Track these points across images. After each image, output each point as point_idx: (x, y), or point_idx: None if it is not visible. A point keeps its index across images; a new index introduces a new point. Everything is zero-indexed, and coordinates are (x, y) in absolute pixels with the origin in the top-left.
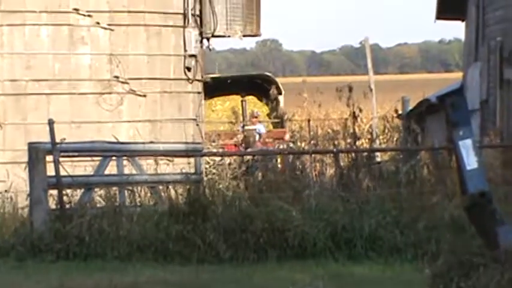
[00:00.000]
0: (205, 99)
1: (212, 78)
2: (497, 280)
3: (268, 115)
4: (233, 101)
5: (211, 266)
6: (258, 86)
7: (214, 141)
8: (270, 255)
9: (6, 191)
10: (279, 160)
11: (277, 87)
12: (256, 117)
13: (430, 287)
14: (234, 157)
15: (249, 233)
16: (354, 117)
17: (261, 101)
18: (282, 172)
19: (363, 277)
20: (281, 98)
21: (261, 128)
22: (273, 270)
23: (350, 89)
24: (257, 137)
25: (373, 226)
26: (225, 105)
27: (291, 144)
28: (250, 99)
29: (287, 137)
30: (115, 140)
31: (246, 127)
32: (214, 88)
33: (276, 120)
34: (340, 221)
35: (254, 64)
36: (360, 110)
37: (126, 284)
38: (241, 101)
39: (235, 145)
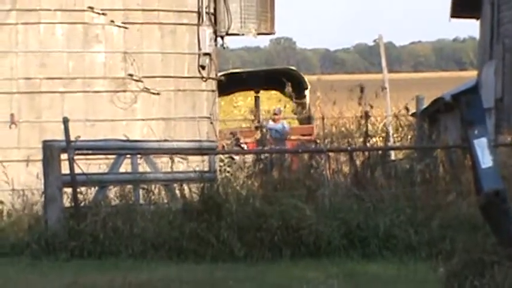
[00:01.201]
0: (226, 95)
1: (233, 73)
2: (511, 278)
3: (294, 111)
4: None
5: (225, 264)
6: (281, 80)
7: (230, 139)
8: (284, 254)
9: (22, 189)
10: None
11: (303, 82)
12: (276, 114)
13: (444, 285)
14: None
15: (263, 231)
16: (366, 116)
17: (285, 96)
18: (294, 170)
19: (377, 276)
20: (307, 92)
21: (284, 125)
22: (287, 268)
23: (361, 90)
24: (273, 133)
25: (388, 225)
26: (247, 101)
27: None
28: (273, 94)
29: (315, 133)
30: (128, 138)
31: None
32: (235, 83)
33: (303, 116)
34: (354, 220)
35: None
36: (371, 107)
37: (140, 282)
38: (255, 97)
39: (254, 142)
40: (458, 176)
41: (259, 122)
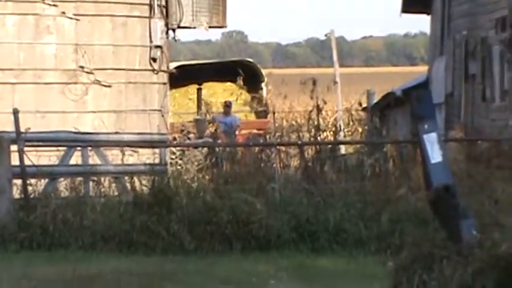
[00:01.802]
0: (180, 86)
1: (188, 65)
2: (460, 273)
3: (247, 104)
4: (211, 88)
5: (175, 256)
6: (237, 72)
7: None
8: (234, 247)
9: None
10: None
11: (260, 74)
12: (228, 106)
13: (393, 279)
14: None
15: (214, 224)
16: (318, 109)
17: (241, 88)
18: (245, 164)
19: (326, 269)
20: (263, 85)
21: (235, 119)
22: (237, 261)
23: (314, 82)
24: (223, 127)
25: (337, 219)
26: (203, 92)
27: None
28: (228, 86)
29: (270, 127)
30: (79, 130)
31: (196, 117)
32: (190, 75)
33: (260, 109)
34: (304, 214)
35: (220, 56)
36: (325, 103)
37: (90, 274)
38: (197, 90)
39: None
40: (408, 170)
41: (206, 115)
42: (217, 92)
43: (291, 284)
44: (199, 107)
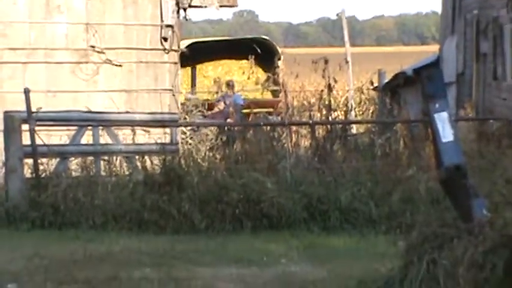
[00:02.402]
0: (196, 64)
1: (203, 41)
2: (471, 252)
3: (262, 83)
4: (226, 66)
5: (186, 236)
6: (252, 50)
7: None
8: (245, 226)
9: None
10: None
11: (276, 52)
12: (229, 84)
13: (403, 258)
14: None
15: (225, 203)
16: (329, 89)
17: (260, 67)
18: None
19: (337, 248)
20: (280, 63)
21: (237, 98)
22: (247, 240)
23: (326, 62)
24: (221, 106)
25: (348, 198)
26: (218, 70)
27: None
28: (244, 63)
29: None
30: (90, 110)
31: (187, 96)
32: (204, 52)
33: (275, 88)
34: (315, 193)
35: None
36: (335, 81)
37: (100, 253)
38: (191, 68)
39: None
40: (419, 150)
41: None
42: (232, 70)
43: (301, 263)
44: (193, 85)
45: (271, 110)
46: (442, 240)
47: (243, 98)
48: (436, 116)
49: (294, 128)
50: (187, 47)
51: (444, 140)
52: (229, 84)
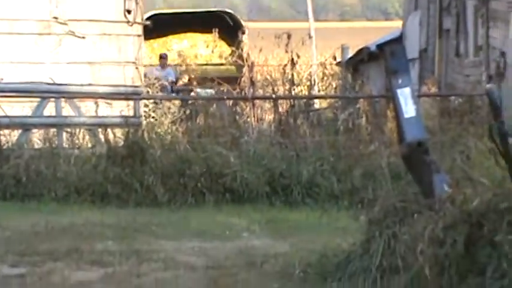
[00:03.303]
0: (160, 37)
1: (166, 13)
2: (431, 227)
3: (225, 57)
4: (191, 39)
5: (148, 209)
6: (217, 23)
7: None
8: (207, 200)
9: None
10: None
11: (240, 26)
12: (163, 58)
13: (365, 233)
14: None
15: (187, 177)
16: (293, 63)
17: (224, 41)
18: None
19: (299, 223)
20: (245, 38)
21: (170, 71)
22: (210, 214)
23: (289, 36)
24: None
25: (311, 173)
26: (183, 43)
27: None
28: (210, 37)
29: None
30: (53, 82)
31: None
32: (167, 25)
33: (241, 64)
34: (277, 167)
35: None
36: (299, 56)
37: (62, 225)
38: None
39: None
40: (381, 125)
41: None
42: (197, 44)
43: (263, 237)
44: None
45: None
46: (403, 216)
47: (179, 72)
48: (398, 91)
49: (257, 102)
50: (148, 18)
51: (406, 116)
52: (162, 57)
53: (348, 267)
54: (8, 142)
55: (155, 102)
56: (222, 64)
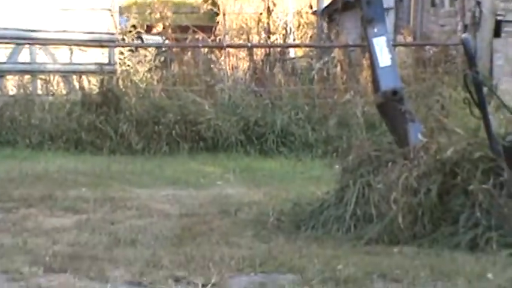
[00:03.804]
0: None
1: None
2: (405, 177)
3: (202, 4)
4: None
5: (122, 156)
6: None
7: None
8: (182, 148)
9: None
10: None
11: None
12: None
13: (339, 182)
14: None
15: (162, 125)
16: (268, 12)
17: None
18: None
19: (273, 171)
20: None
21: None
22: (184, 162)
23: None
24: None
25: (285, 121)
26: None
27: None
28: None
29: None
30: (28, 28)
31: None
32: None
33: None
34: (252, 116)
35: None
36: (274, 5)
37: (36, 172)
38: None
39: None
40: (356, 74)
41: None
42: None
43: (238, 186)
44: None
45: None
46: (377, 165)
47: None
48: (374, 40)
49: (232, 50)
50: None
51: (382, 65)
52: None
53: (322, 215)
54: None
55: (131, 50)
56: (196, 12)
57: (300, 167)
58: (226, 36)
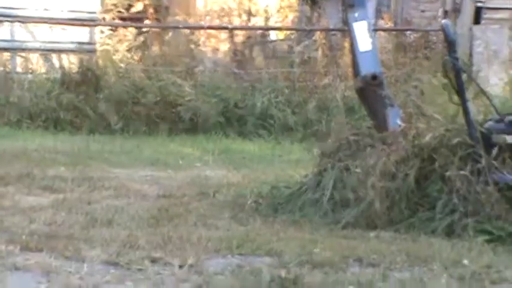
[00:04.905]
0: None
1: None
2: (383, 162)
3: None
4: None
5: (102, 136)
6: None
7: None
8: (161, 129)
9: None
10: None
11: None
12: None
13: (318, 166)
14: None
15: (141, 105)
16: None
17: None
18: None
19: (252, 154)
20: None
21: None
22: (163, 143)
23: None
24: None
25: (265, 104)
26: None
27: None
28: None
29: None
30: (8, 5)
31: None
32: None
33: None
34: (232, 98)
35: None
36: None
37: (15, 150)
38: None
39: None
40: (337, 59)
41: None
42: None
43: (216, 167)
44: None
45: None
46: (356, 149)
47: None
48: (355, 25)
49: (213, 32)
50: None
51: (362, 50)
52: None
53: (300, 199)
54: None
55: (111, 29)
56: None
57: (279, 150)
58: (207, 17)
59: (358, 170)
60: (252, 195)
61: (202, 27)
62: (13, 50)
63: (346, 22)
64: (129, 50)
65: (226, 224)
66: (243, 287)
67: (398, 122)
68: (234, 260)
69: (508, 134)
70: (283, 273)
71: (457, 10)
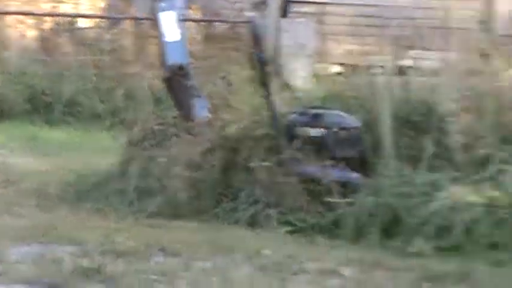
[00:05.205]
0: None
1: None
2: (188, 152)
3: None
4: None
5: None
6: None
7: None
8: None
9: None
10: None
11: None
12: None
13: (124, 155)
14: None
15: None
16: None
17: None
18: None
19: (60, 142)
20: None
21: None
22: None
23: None
24: None
25: (73, 91)
26: None
27: None
28: None
29: None
30: None
31: None
32: None
33: None
34: (39, 85)
35: None
36: None
37: None
38: None
39: None
40: (145, 47)
41: None
42: None
43: (23, 155)
44: None
45: None
46: (162, 139)
47: None
48: (161, 15)
49: (21, 17)
50: None
51: (169, 40)
52: None
53: (106, 187)
54: None
55: None
56: None
57: (87, 137)
58: (15, 3)
59: (162, 160)
60: (58, 183)
61: (8, 12)
62: None
63: (153, 12)
64: None
65: (30, 212)
66: (44, 276)
67: (205, 112)
68: (36, 248)
69: (311, 127)
70: (85, 262)
71: (263, 3)
